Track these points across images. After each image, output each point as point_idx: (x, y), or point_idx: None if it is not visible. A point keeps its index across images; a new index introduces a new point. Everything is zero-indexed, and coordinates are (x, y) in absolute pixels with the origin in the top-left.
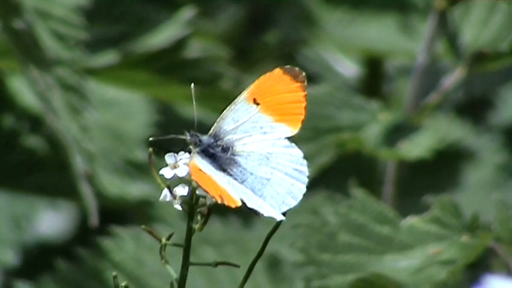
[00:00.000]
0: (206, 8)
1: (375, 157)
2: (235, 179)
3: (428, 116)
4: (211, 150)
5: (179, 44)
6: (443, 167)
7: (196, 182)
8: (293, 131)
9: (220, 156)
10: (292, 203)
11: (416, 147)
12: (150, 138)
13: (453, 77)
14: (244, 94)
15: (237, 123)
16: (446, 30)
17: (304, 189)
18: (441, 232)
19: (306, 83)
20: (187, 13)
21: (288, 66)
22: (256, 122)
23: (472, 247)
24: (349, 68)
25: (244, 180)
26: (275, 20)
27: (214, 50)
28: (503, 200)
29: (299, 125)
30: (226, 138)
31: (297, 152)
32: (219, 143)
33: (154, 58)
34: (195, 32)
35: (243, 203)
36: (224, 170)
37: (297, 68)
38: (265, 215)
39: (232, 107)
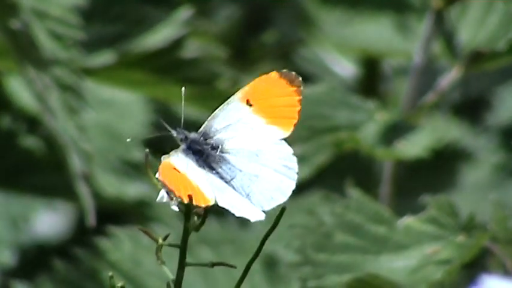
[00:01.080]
0: (203, 7)
1: (371, 157)
2: (224, 176)
3: (425, 116)
4: (199, 147)
5: (176, 44)
6: (440, 167)
7: (162, 182)
8: (285, 133)
9: (209, 153)
10: (281, 198)
11: (413, 147)
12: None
13: (450, 77)
14: (237, 95)
15: (228, 122)
16: (443, 30)
17: (293, 185)
18: (437, 232)
19: (301, 87)
20: (184, 13)
21: (285, 70)
22: (248, 123)
23: (468, 247)
24: (346, 68)
25: (234, 177)
26: (272, 20)
27: (212, 50)
28: (500, 200)
29: (291, 128)
30: (216, 136)
31: (286, 149)
32: (208, 141)
33: (151, 58)
34: (192, 31)
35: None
36: (212, 168)
37: (293, 73)
38: (237, 214)
39: (224, 106)
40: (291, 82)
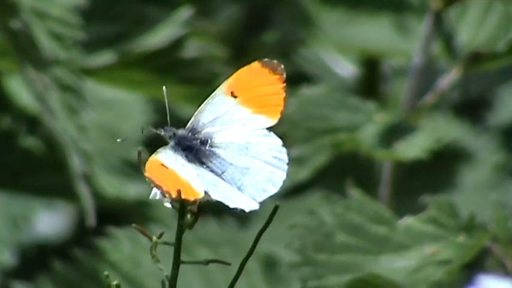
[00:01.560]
0: (204, 7)
1: (371, 158)
2: (214, 170)
3: (425, 117)
4: (188, 143)
5: (176, 44)
6: (441, 168)
7: (150, 179)
8: (272, 121)
9: (198, 149)
10: (272, 190)
11: (413, 147)
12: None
13: (449, 77)
14: (222, 88)
15: (215, 116)
16: (443, 31)
17: (284, 176)
18: (438, 232)
19: (284, 75)
20: (184, 13)
21: (266, 59)
22: (235, 115)
23: (468, 247)
24: (346, 68)
25: (224, 171)
26: (272, 20)
27: (212, 50)
28: (500, 200)
29: (278, 116)
30: (204, 131)
31: (275, 141)
32: (197, 136)
33: (151, 58)
34: (192, 31)
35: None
36: (203, 163)
37: (275, 61)
38: (231, 206)
39: (209, 100)
40: (274, 70)
